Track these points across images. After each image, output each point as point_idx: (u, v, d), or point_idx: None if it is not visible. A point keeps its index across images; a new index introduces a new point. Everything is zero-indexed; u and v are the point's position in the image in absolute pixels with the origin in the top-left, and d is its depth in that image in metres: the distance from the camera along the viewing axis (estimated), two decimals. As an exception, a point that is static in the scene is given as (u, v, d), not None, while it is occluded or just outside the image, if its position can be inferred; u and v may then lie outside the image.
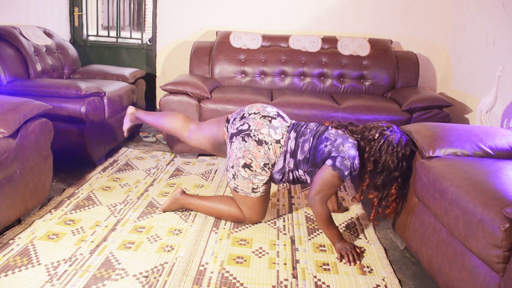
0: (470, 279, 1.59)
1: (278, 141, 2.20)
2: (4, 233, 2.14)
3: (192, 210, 2.52)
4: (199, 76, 3.85)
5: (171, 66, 4.52)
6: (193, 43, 4.14)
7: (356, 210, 2.71)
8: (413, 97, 3.47)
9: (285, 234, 2.35)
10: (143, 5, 4.71)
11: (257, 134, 2.18)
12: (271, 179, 2.33)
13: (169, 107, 3.39)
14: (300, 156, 2.19)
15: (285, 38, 4.07)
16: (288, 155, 2.21)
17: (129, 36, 4.72)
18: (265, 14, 4.34)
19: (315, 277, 1.97)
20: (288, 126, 2.26)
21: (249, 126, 2.22)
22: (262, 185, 2.28)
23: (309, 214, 2.61)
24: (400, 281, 1.99)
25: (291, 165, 2.23)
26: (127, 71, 3.87)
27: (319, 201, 2.13)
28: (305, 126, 2.27)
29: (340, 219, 2.56)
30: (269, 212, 2.59)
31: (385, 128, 2.14)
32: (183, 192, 2.47)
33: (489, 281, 1.49)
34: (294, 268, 2.04)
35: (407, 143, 2.10)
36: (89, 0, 4.60)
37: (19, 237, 2.12)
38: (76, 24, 4.52)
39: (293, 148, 2.20)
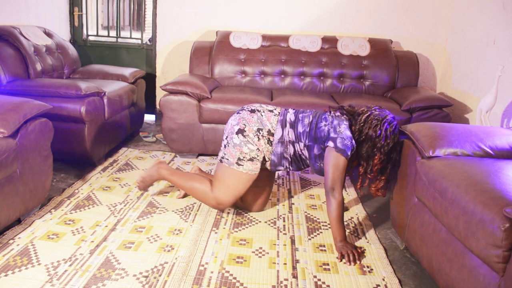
0: (470, 279, 1.59)
1: (271, 111, 2.37)
2: (4, 233, 2.14)
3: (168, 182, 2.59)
4: (199, 76, 3.85)
5: (171, 66, 4.52)
6: (193, 43, 4.14)
7: (356, 210, 2.71)
8: (413, 97, 3.47)
9: (285, 234, 2.36)
10: (143, 5, 4.71)
11: (250, 106, 2.40)
12: (267, 162, 2.36)
13: (169, 107, 3.39)
14: (300, 129, 2.30)
15: (285, 38, 4.07)
16: (288, 125, 2.31)
17: (129, 36, 4.72)
18: (265, 14, 4.34)
19: (315, 277, 1.97)
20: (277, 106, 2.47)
21: (242, 107, 2.45)
22: (248, 160, 2.29)
23: (309, 214, 2.61)
24: (400, 281, 1.99)
25: (292, 137, 2.30)
26: (127, 71, 3.87)
27: (338, 187, 2.17)
28: (302, 109, 2.46)
29: (340, 219, 2.56)
30: (269, 212, 2.59)
31: (373, 106, 2.32)
32: (165, 163, 2.56)
33: (489, 281, 1.49)
34: (294, 268, 2.04)
35: (393, 120, 2.25)
36: (89, 0, 4.60)
37: (19, 237, 2.12)
38: (76, 24, 4.52)
39: (292, 120, 2.32)
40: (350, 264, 2.07)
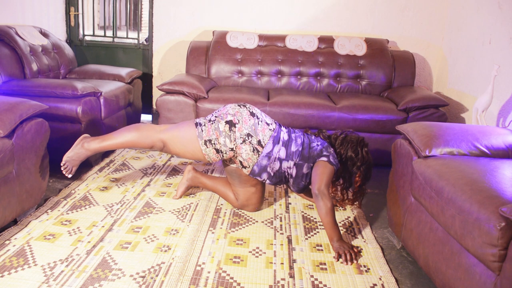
0: (466, 278, 1.60)
1: (267, 124, 2.35)
2: (0, 234, 2.13)
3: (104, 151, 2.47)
4: (195, 76, 3.84)
5: (167, 66, 4.51)
6: (189, 42, 4.14)
7: (353, 209, 2.71)
8: (409, 96, 3.48)
9: (282, 233, 2.36)
10: (140, 5, 4.70)
11: (251, 108, 2.38)
12: (245, 168, 2.36)
13: (166, 107, 3.39)
14: (293, 148, 2.34)
15: (282, 38, 4.08)
16: (280, 143, 2.33)
17: (125, 36, 4.71)
18: (261, 13, 4.34)
19: (312, 276, 1.98)
20: (273, 120, 2.46)
21: (244, 103, 2.43)
22: (214, 148, 2.29)
23: (306, 213, 2.61)
24: (396, 280, 2.00)
25: (282, 154, 2.33)
26: (124, 71, 3.86)
27: (327, 191, 2.23)
28: (290, 127, 2.53)
29: (337, 218, 2.56)
30: (266, 212, 2.60)
31: (345, 130, 2.56)
32: (88, 136, 2.44)
33: (485, 280, 1.50)
34: (291, 267, 2.04)
35: (364, 142, 2.47)
36: (85, 0, 4.59)
37: (15, 238, 2.11)
38: (72, 23, 4.51)
39: (286, 139, 2.35)
40: (347, 264, 2.08)
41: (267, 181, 2.42)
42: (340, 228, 2.45)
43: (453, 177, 1.75)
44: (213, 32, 4.17)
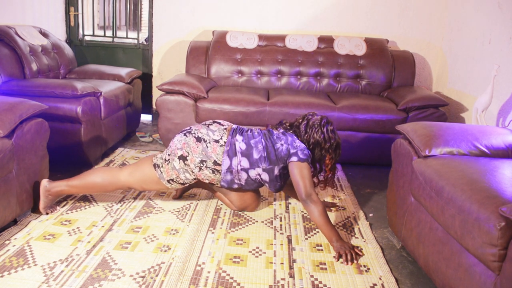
0: (466, 278, 1.60)
1: (216, 141, 2.31)
2: (0, 234, 2.13)
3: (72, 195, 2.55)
4: (195, 75, 3.84)
5: (167, 66, 4.51)
6: (189, 42, 4.14)
7: (352, 209, 2.71)
8: (409, 96, 3.48)
9: (282, 233, 2.36)
10: (139, 5, 4.70)
11: (197, 132, 2.34)
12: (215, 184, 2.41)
13: (166, 107, 3.39)
14: (256, 155, 2.30)
15: (282, 38, 4.08)
16: (239, 155, 2.29)
17: (125, 36, 4.71)
18: (261, 13, 4.34)
19: (312, 276, 1.98)
20: (226, 129, 2.37)
21: (190, 127, 2.41)
22: (179, 183, 2.36)
23: (305, 213, 2.61)
24: (396, 280, 2.00)
25: (245, 164, 2.30)
26: (123, 71, 3.86)
27: (313, 193, 2.23)
28: (249, 130, 2.41)
29: (337, 218, 2.56)
30: (266, 212, 2.60)
31: (306, 114, 2.47)
32: (51, 181, 2.39)
33: (485, 280, 1.50)
34: (291, 267, 2.04)
35: (327, 121, 2.41)
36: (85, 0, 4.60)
37: (15, 238, 2.11)
38: (72, 23, 4.51)
39: (243, 148, 2.30)
40: (347, 264, 2.07)
41: (242, 189, 2.43)
42: (340, 228, 2.45)
43: (453, 177, 1.75)
44: (213, 32, 4.17)
